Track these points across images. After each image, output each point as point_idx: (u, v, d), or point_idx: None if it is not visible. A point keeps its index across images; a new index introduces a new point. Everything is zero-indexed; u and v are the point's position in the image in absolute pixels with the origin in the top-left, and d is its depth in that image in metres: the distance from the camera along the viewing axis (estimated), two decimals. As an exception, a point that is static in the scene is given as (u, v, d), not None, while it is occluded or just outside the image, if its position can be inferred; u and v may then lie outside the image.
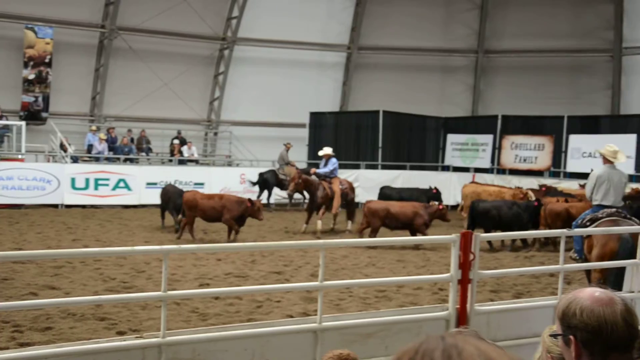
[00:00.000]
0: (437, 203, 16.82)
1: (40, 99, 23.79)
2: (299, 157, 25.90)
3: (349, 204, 18.37)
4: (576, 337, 2.22)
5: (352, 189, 18.87)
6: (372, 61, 28.40)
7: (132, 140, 24.10)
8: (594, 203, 9.68)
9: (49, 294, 9.17)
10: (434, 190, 20.60)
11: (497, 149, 24.73)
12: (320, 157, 18.72)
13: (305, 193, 18.78)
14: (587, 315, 2.20)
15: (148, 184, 21.85)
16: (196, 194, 15.83)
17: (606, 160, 9.65)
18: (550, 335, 2.60)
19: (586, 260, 8.94)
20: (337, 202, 17.70)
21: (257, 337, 5.31)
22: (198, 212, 15.25)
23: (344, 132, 25.91)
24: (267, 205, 22.16)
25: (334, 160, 18.29)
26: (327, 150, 18.46)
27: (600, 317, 2.18)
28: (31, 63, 23.49)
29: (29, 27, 23.33)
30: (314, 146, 26.36)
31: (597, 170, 9.91)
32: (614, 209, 9.20)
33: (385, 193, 20.79)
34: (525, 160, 24.07)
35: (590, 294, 2.26)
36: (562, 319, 2.27)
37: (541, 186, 20.02)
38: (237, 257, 12.39)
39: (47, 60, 23.65)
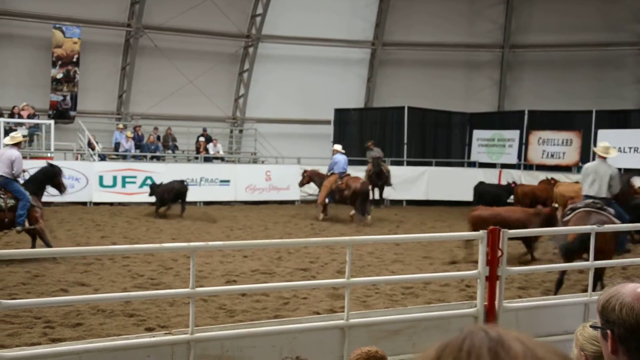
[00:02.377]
0: (540, 206, 15.88)
1: (68, 97, 24.07)
2: (324, 154, 25.89)
3: (353, 197, 18.82)
4: (613, 332, 2.20)
5: (361, 184, 19.24)
6: (396, 57, 28.31)
7: (158, 138, 24.29)
8: (582, 193, 10.72)
9: (79, 291, 9.29)
10: (512, 184, 20.40)
11: (524, 145, 24.51)
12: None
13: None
14: (627, 312, 2.17)
15: (174, 181, 21.98)
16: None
17: (600, 156, 10.66)
18: (590, 327, 2.58)
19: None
20: (321, 194, 19.33)
21: (285, 334, 5.33)
22: None
23: (369, 129, 25.85)
24: (381, 201, 22.27)
25: (335, 157, 19.67)
26: (335, 147, 19.94)
27: (639, 315, 2.16)
28: (59, 62, 23.77)
29: (57, 27, 23.60)
30: (338, 143, 26.34)
31: (587, 164, 11.16)
32: (591, 200, 10.03)
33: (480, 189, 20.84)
34: (552, 155, 23.82)
35: (632, 289, 2.22)
36: (602, 312, 2.25)
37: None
38: (263, 254, 12.43)
39: (74, 60, 23.92)
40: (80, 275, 10.35)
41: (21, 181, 11.97)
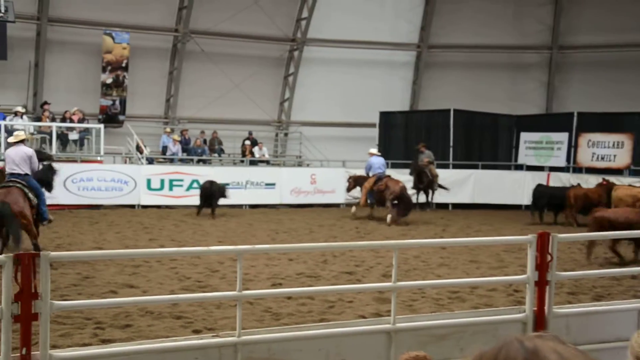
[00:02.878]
0: None
1: (117, 102, 24.53)
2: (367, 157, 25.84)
3: (392, 198, 18.93)
4: None
5: (400, 188, 19.18)
6: (442, 59, 28.10)
7: (204, 141, 24.56)
8: None
9: (127, 292, 9.43)
10: (604, 182, 19.72)
11: (573, 147, 24.07)
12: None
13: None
14: None
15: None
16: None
17: None
18: None
19: None
20: (362, 196, 19.88)
21: (331, 338, 5.32)
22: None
23: (414, 132, 25.71)
24: (426, 205, 22.30)
25: (370, 159, 20.26)
26: (370, 150, 20.50)
27: None
28: (109, 68, 24.23)
29: (107, 33, 24.07)
30: (383, 146, 26.27)
31: None
32: None
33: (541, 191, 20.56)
34: (603, 158, 23.33)
35: None
36: None
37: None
38: (308, 257, 12.44)
39: (124, 65, 24.36)
40: (129, 277, 10.52)
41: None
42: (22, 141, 11.98)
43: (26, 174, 11.57)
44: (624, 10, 25.54)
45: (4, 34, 22.33)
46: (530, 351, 1.30)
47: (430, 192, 22.73)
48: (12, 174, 11.51)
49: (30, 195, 11.44)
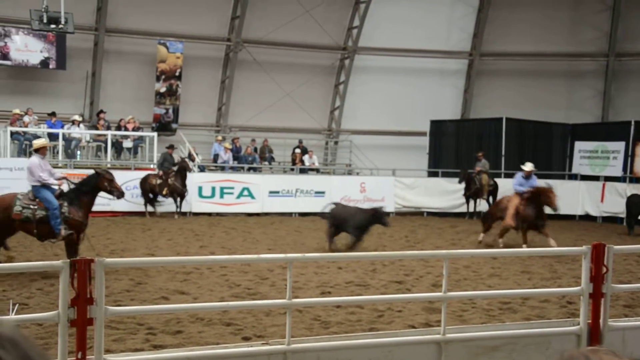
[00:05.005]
0: None
1: (170, 110, 24.96)
2: (419, 165, 25.73)
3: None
4: None
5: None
6: (494, 67, 27.79)
7: (255, 149, 24.77)
8: None
9: (178, 299, 9.56)
10: None
11: (629, 157, 23.47)
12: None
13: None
14: None
15: (270, 192, 22.38)
16: None
17: None
18: None
19: None
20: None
21: (380, 347, 5.30)
22: None
23: (466, 140, 25.47)
24: (474, 214, 22.53)
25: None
26: (530, 167, 16.33)
27: None
28: (163, 77, 24.70)
29: (161, 43, 24.55)
30: (434, 155, 26.11)
31: None
32: None
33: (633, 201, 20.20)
34: (660, 168, 22.70)
35: None
36: None
37: None
38: (358, 266, 12.41)
39: (177, 74, 24.78)
40: (180, 284, 10.65)
41: (65, 188, 11.27)
42: (37, 150, 11.28)
43: (33, 186, 10.99)
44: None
45: (63, 44, 23.00)
46: None
47: (479, 200, 22.67)
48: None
49: (18, 207, 10.83)
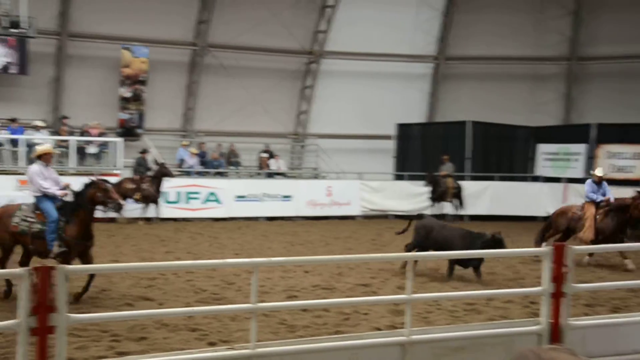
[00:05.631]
0: None
1: (135, 116, 24.75)
2: (385, 169, 25.88)
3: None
4: None
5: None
6: (459, 71, 28.07)
7: (221, 154, 24.67)
8: None
9: (143, 305, 9.47)
10: None
11: (590, 159, 23.89)
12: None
13: None
14: None
15: (237, 197, 22.30)
16: None
17: None
18: None
19: None
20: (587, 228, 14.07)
21: (345, 350, 5.33)
22: None
23: (431, 144, 25.69)
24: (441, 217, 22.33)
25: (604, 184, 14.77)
26: (601, 172, 14.93)
27: None
28: (127, 82, 24.48)
29: (126, 47, 24.34)
30: (400, 158, 26.30)
31: None
32: None
33: None
34: (621, 169, 23.14)
35: None
36: None
37: None
38: (324, 270, 12.44)
39: (142, 79, 24.58)
40: (145, 290, 10.56)
41: (69, 198, 10.09)
42: (39, 157, 10.32)
43: (36, 196, 10.08)
44: (642, 21, 25.40)
45: (25, 49, 22.67)
46: None
47: (443, 203, 22.97)
48: None
49: (17, 219, 9.97)
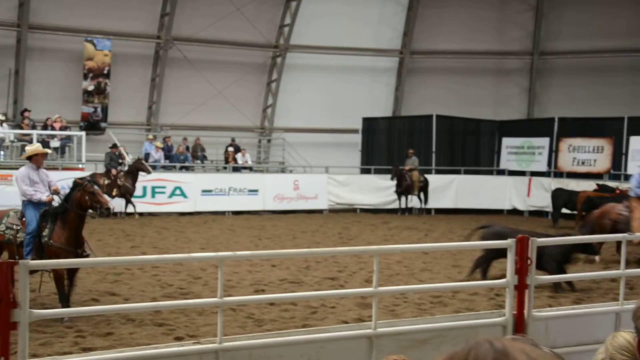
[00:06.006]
0: None
1: (99, 109, 24.42)
2: (352, 162, 25.95)
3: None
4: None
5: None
6: (424, 65, 28.25)
7: (187, 148, 24.49)
8: None
9: (109, 300, 9.39)
10: (618, 192, 18.92)
11: (554, 152, 24.26)
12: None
13: None
14: None
15: (203, 191, 22.18)
16: None
17: None
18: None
19: None
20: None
21: (312, 343, 5.33)
22: None
23: (397, 137, 25.83)
24: (405, 210, 22.93)
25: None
26: None
27: None
28: (90, 75, 24.13)
29: (88, 40, 23.98)
30: (366, 152, 26.39)
31: None
32: None
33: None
34: (583, 163, 23.54)
35: None
36: (632, 318, 2.24)
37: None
38: (291, 263, 12.45)
39: (105, 72, 24.26)
40: (111, 285, 10.47)
41: (56, 202, 9.23)
42: (29, 158, 9.33)
43: (22, 201, 9.29)
44: (602, 16, 25.81)
45: (-17, 41, 22.22)
46: (500, 352, 1.34)
47: (410, 197, 23.15)
48: None
49: (2, 226, 9.17)
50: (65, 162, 21.54)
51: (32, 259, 8.43)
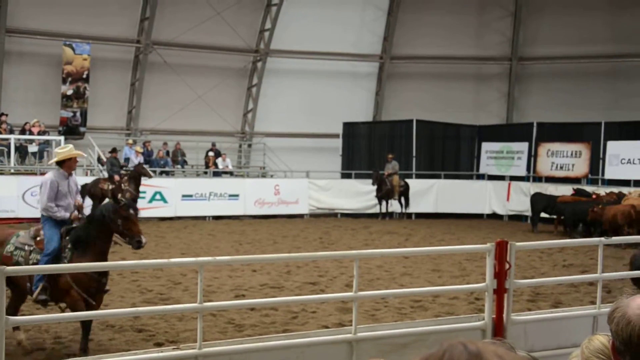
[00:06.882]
0: None
1: (78, 114, 24.23)
2: (333, 167, 25.98)
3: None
4: (615, 342, 2.21)
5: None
6: (405, 70, 28.36)
7: (167, 153, 24.39)
8: None
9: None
10: (594, 196, 19.42)
11: (532, 157, 24.46)
12: None
13: None
14: (623, 325, 2.16)
15: (183, 196, 22.10)
16: None
17: None
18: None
19: None
20: None
21: (292, 348, 5.33)
22: None
23: (378, 142, 25.91)
24: (386, 214, 23.06)
25: None
26: None
27: (633, 330, 2.12)
28: (69, 79, 23.94)
29: (67, 44, 23.80)
30: (347, 156, 26.44)
31: None
32: None
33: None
34: (561, 167, 23.76)
35: (639, 304, 2.19)
36: (607, 321, 2.26)
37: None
38: (272, 268, 12.44)
39: (84, 76, 24.10)
40: (90, 291, 10.37)
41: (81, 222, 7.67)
42: (60, 163, 7.75)
43: (42, 216, 7.69)
44: (582, 22, 26.06)
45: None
46: (473, 354, 1.35)
47: (391, 202, 23.25)
48: None
49: (11, 247, 7.58)
50: (44, 167, 21.34)
51: (43, 287, 7.23)
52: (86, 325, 7.21)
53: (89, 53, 24.05)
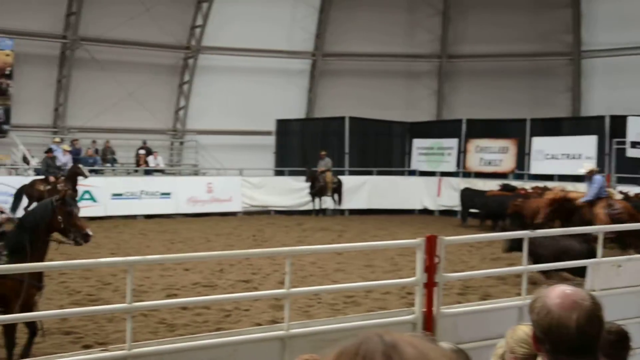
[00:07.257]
0: None
1: (1, 111, 23.43)
2: (265, 164, 25.93)
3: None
4: (535, 331, 2.26)
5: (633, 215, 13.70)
6: (337, 67, 28.51)
7: (96, 151, 23.86)
8: None
9: (13, 309, 9.01)
10: (522, 191, 19.65)
11: (462, 153, 24.98)
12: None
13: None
14: (543, 315, 2.22)
15: (114, 195, 21.66)
16: None
17: None
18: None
19: None
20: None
21: (224, 346, 5.29)
22: None
23: (311, 139, 25.99)
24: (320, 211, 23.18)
25: (598, 178, 14.29)
26: (590, 166, 14.73)
27: (552, 319, 2.18)
28: (-9, 75, 23.14)
29: (-12, 39, 22.99)
30: (280, 153, 26.43)
31: None
32: None
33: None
34: (490, 163, 24.35)
35: (558, 293, 2.23)
36: (528, 311, 2.32)
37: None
38: (204, 267, 12.33)
39: (7, 72, 23.31)
40: (15, 294, 10.06)
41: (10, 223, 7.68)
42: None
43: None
44: (507, 22, 26.72)
45: None
46: (389, 345, 1.37)
47: (324, 198, 23.38)
48: None
49: None
50: (-35, 166, 20.61)
51: None
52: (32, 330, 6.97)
53: (12, 48, 23.28)
